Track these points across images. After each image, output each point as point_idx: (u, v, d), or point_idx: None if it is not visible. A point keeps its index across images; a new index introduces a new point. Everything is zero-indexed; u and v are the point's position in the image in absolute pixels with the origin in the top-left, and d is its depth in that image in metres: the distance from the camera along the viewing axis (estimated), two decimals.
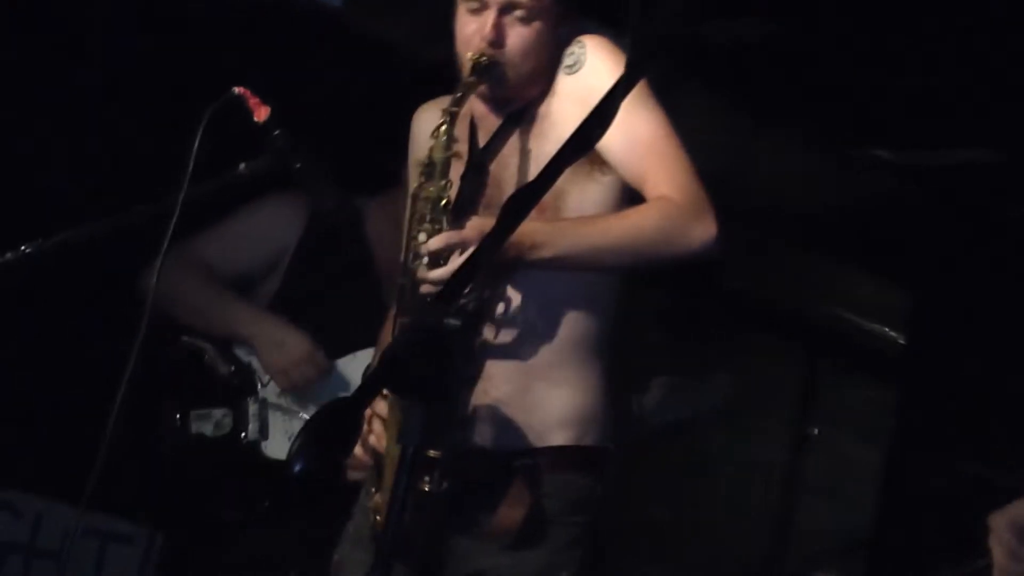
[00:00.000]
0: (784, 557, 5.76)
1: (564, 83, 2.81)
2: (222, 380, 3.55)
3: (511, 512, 2.71)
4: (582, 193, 2.78)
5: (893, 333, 5.98)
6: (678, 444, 5.20)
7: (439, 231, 2.64)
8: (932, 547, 4.96)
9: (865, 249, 5.72)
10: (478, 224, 2.61)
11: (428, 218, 2.67)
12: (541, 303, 2.76)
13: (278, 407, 3.55)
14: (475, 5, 2.75)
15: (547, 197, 2.34)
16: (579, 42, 2.81)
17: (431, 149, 2.70)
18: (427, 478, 2.60)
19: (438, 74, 2.87)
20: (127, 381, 2.66)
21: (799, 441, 5.76)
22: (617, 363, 2.88)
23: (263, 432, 3.52)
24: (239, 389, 3.55)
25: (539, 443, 2.75)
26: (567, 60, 2.81)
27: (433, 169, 2.69)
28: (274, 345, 3.53)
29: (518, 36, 2.75)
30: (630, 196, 2.80)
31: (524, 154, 2.81)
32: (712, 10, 4.14)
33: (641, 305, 4.90)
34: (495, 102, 2.84)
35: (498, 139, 2.85)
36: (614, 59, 2.76)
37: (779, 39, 4.49)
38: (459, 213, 2.71)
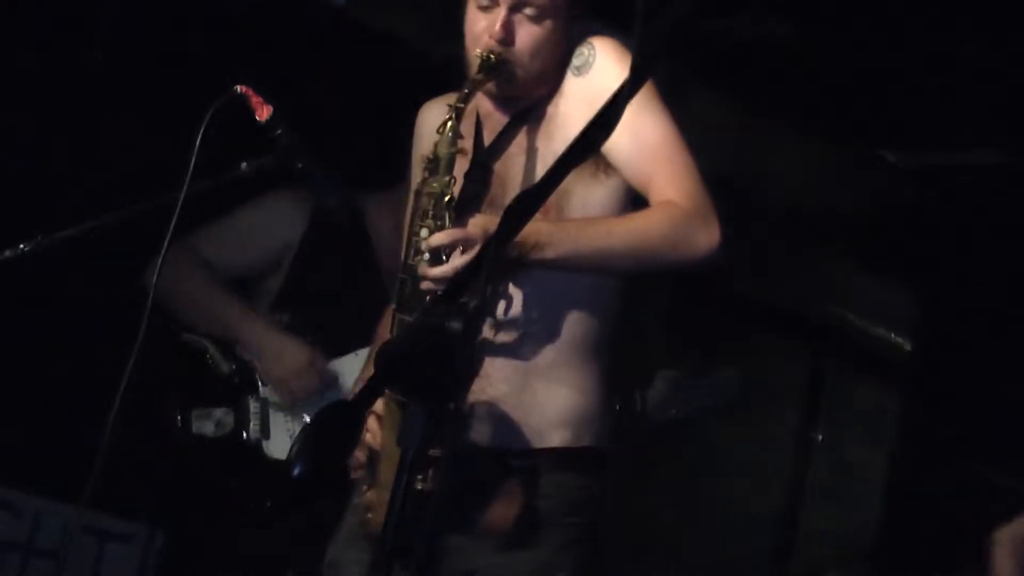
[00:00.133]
0: (788, 559, 5.74)
1: (572, 84, 2.80)
2: (223, 378, 3.55)
3: (504, 511, 2.70)
4: (586, 194, 2.76)
5: (899, 339, 5.97)
6: (683, 445, 5.19)
7: (441, 227, 2.63)
8: (937, 551, 4.95)
9: (872, 252, 5.71)
10: (481, 221, 2.60)
11: (430, 214, 2.66)
12: (542, 302, 2.74)
13: (280, 406, 3.55)
14: (485, 2, 2.75)
15: (551, 197, 2.31)
16: (588, 43, 2.80)
17: (436, 144, 2.69)
18: (421, 476, 2.56)
19: (442, 71, 2.86)
20: (128, 379, 2.65)
21: (804, 444, 5.74)
22: (617, 363, 2.87)
23: (264, 432, 3.52)
24: (240, 388, 3.54)
25: (536, 443, 2.74)
26: (576, 61, 2.80)
27: (437, 164, 2.68)
28: (274, 355, 3.53)
29: (528, 34, 2.74)
30: (634, 199, 2.78)
31: (529, 153, 2.80)
32: (721, 9, 4.13)
33: (647, 305, 4.89)
34: (502, 100, 2.83)
35: (504, 138, 2.84)
36: (623, 61, 2.75)
37: (789, 39, 4.48)
38: (462, 211, 2.69)
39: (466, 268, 2.47)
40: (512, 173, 2.80)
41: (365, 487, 2.79)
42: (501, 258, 2.50)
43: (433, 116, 2.84)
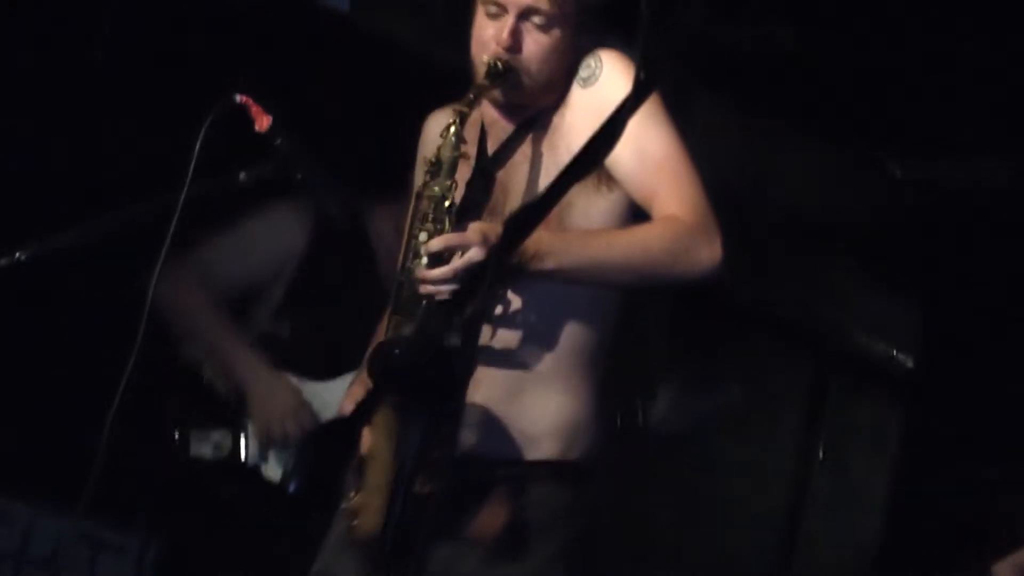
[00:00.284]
0: (790, 571, 5.73)
1: (578, 95, 2.78)
2: (221, 399, 3.53)
3: (491, 520, 2.67)
4: (588, 206, 2.74)
5: (901, 355, 5.95)
6: (685, 456, 5.18)
7: (441, 231, 2.62)
8: (938, 563, 4.93)
9: (875, 264, 5.69)
10: (479, 227, 2.58)
11: (431, 217, 2.64)
12: (540, 309, 2.72)
13: None
14: (494, 9, 2.73)
15: None
16: (596, 55, 2.78)
17: (439, 148, 2.68)
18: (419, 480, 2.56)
19: (447, 78, 2.84)
20: (124, 385, 2.64)
21: (805, 456, 5.73)
22: (618, 374, 2.86)
23: (263, 455, 3.48)
24: (238, 409, 3.52)
25: (525, 453, 2.72)
26: (582, 72, 2.79)
27: (439, 168, 2.67)
28: (265, 394, 3.50)
29: (535, 43, 2.72)
30: (636, 214, 2.76)
31: (533, 163, 2.78)
32: (726, 17, 4.12)
33: (649, 316, 4.87)
34: (508, 108, 2.82)
35: (508, 146, 2.83)
36: (630, 75, 2.72)
37: (791, 49, 4.47)
38: (463, 218, 2.67)
39: (466, 277, 2.45)
40: (515, 182, 2.78)
41: (352, 492, 2.74)
42: (502, 269, 2.49)
43: (439, 125, 2.81)
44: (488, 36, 2.73)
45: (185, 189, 2.74)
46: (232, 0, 3.95)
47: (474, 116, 2.78)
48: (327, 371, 3.53)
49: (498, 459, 2.70)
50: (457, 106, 2.67)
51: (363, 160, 3.78)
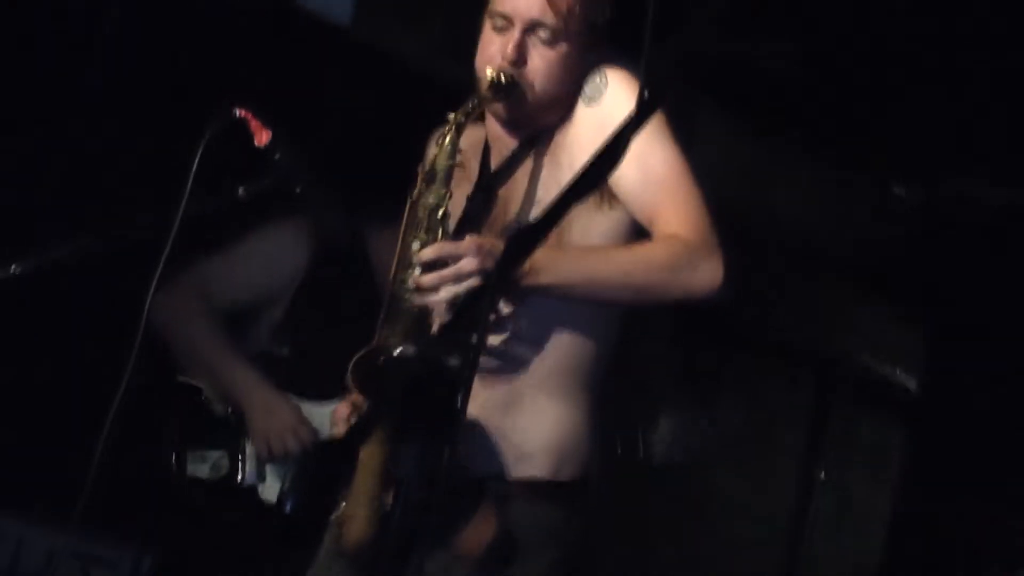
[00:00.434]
0: None
1: (582, 112, 2.76)
2: (219, 420, 3.51)
3: (477, 536, 2.63)
4: (588, 224, 2.71)
5: (903, 376, 5.94)
6: (686, 478, 5.15)
7: (434, 241, 2.61)
8: None
9: (880, 285, 5.68)
10: (474, 238, 2.58)
11: (424, 226, 2.64)
12: (536, 322, 2.70)
13: None
14: (501, 23, 2.72)
15: None
16: (601, 72, 2.76)
17: (434, 157, 2.67)
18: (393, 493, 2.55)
19: (448, 93, 2.81)
20: (118, 406, 2.60)
21: (807, 480, 5.71)
22: (617, 396, 2.83)
23: (260, 476, 3.46)
24: (236, 430, 3.50)
25: (514, 470, 2.69)
26: (587, 89, 2.77)
27: (434, 177, 2.66)
28: (265, 412, 3.48)
29: (540, 57, 2.71)
30: (637, 233, 2.73)
31: (535, 179, 2.76)
32: (733, 35, 4.10)
33: (650, 338, 4.85)
34: (512, 124, 2.80)
35: (511, 162, 2.81)
36: (635, 93, 2.69)
37: (801, 67, 4.45)
38: (461, 232, 2.68)
39: (467, 306, 2.42)
40: (515, 198, 2.77)
41: (340, 501, 2.71)
42: (502, 288, 2.47)
43: None
44: (494, 50, 2.71)
45: (183, 204, 2.71)
46: (232, 13, 3.94)
47: (479, 132, 2.79)
48: (325, 392, 3.50)
49: (488, 474, 2.67)
50: (455, 115, 2.66)
51: (363, 176, 3.76)
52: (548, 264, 2.55)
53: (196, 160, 2.71)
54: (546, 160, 2.76)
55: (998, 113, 4.43)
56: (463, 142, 2.75)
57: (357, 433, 2.10)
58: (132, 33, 3.91)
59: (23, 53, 3.78)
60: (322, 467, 2.01)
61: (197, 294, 3.56)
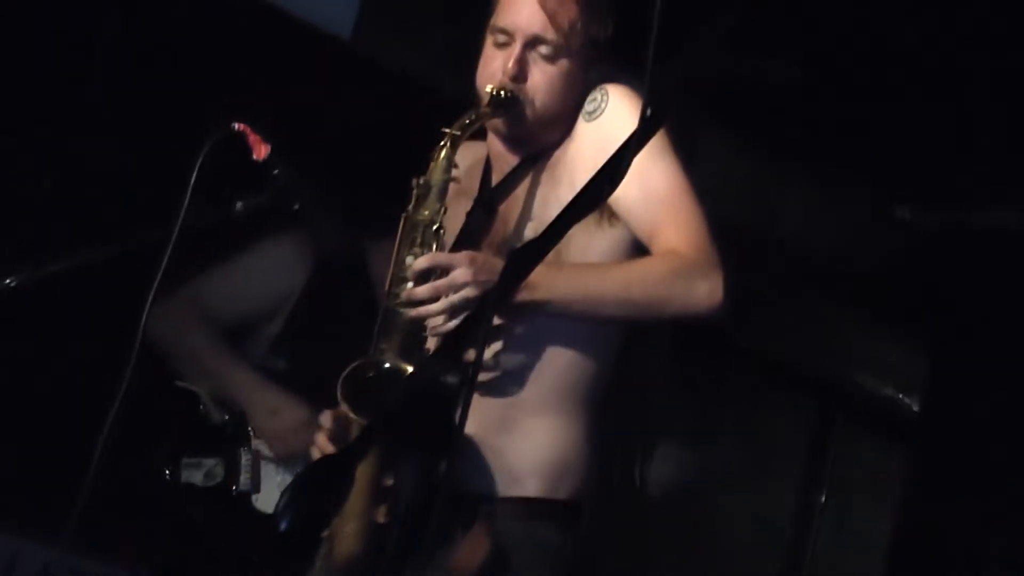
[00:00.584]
0: None
1: (583, 129, 2.76)
2: (215, 429, 3.50)
3: (469, 555, 2.62)
4: (587, 242, 2.70)
5: (906, 398, 5.92)
6: (684, 502, 5.14)
7: None
8: None
9: (882, 306, 5.67)
10: (470, 252, 2.57)
11: (418, 241, 2.63)
12: (533, 340, 2.68)
13: (271, 459, 3.50)
14: (502, 38, 2.72)
15: None
16: (602, 89, 2.75)
17: (429, 171, 2.66)
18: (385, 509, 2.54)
19: (449, 108, 2.81)
20: (113, 418, 2.60)
21: (808, 504, 5.69)
22: (614, 421, 2.79)
23: (255, 485, 3.46)
24: (232, 439, 3.49)
25: (507, 489, 2.66)
26: (588, 106, 2.76)
27: (428, 191, 2.65)
28: (269, 412, 3.48)
29: (541, 73, 2.71)
30: (637, 251, 2.72)
31: (535, 197, 2.76)
32: (736, 53, 4.10)
33: (648, 360, 4.84)
34: (513, 141, 2.79)
35: (511, 179, 2.80)
36: (636, 110, 2.68)
37: (804, 87, 4.45)
38: (459, 248, 2.67)
39: (466, 326, 2.40)
40: (515, 215, 2.76)
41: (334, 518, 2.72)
42: (501, 307, 2.45)
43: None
44: (495, 66, 2.72)
45: (181, 218, 2.71)
46: (232, 26, 3.94)
47: (481, 150, 2.79)
48: (322, 405, 3.50)
49: (483, 492, 2.65)
50: (451, 130, 2.66)
51: (363, 190, 3.76)
52: (545, 281, 2.54)
53: (195, 172, 2.70)
54: (545, 176, 2.76)
55: (1004, 135, 4.43)
56: (466, 159, 2.76)
57: (353, 452, 2.08)
58: (131, 45, 3.91)
59: (23, 65, 3.78)
60: (318, 487, 1.99)
61: (194, 307, 3.56)
